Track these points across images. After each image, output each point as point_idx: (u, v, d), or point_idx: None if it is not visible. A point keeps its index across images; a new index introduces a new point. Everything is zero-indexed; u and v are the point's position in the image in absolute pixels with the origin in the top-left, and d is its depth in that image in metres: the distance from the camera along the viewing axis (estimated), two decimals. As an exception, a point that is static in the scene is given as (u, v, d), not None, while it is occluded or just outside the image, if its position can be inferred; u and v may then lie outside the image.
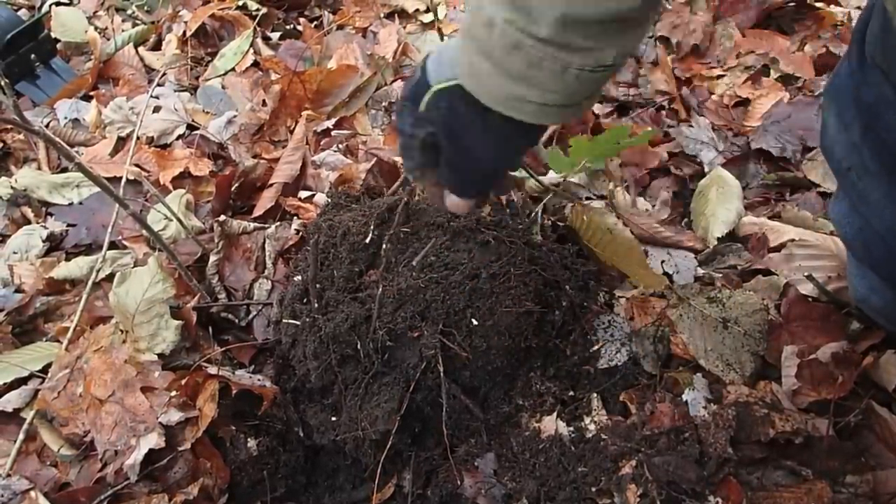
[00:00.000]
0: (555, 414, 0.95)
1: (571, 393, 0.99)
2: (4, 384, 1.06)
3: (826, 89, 0.80)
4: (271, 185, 1.36)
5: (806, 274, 1.01)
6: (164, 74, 1.75)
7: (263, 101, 1.59)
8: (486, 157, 0.70)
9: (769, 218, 1.17)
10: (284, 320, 1.02)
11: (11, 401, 1.05)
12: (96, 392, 0.98)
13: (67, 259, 1.30)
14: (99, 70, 1.80)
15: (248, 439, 0.98)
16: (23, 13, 2.03)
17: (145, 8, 2.04)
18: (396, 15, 1.82)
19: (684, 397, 0.92)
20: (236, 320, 1.16)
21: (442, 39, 1.45)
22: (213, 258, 1.21)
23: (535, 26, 0.55)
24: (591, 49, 0.57)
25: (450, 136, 0.69)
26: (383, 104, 1.55)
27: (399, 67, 1.66)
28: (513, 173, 0.92)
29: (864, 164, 0.74)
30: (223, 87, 1.68)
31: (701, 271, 1.10)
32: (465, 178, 0.74)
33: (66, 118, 1.66)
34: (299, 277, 1.04)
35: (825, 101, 0.80)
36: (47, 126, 1.65)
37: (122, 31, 1.94)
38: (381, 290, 0.93)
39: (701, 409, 0.90)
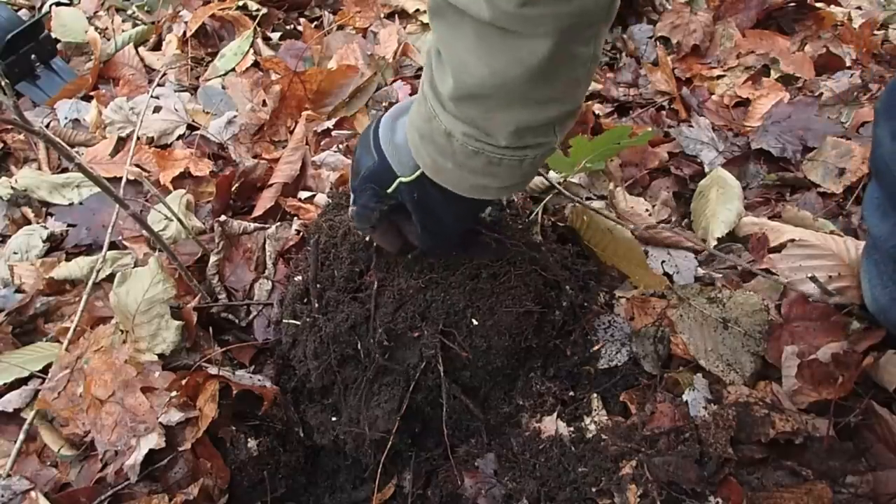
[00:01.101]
0: (555, 414, 0.95)
1: (572, 393, 0.99)
2: (5, 384, 1.06)
3: (879, 102, 0.79)
4: (271, 185, 1.36)
5: (809, 275, 1.01)
6: (164, 75, 1.75)
7: (263, 101, 1.59)
8: (455, 221, 0.81)
9: (769, 218, 1.17)
10: (285, 320, 1.02)
11: (12, 401, 1.05)
12: (96, 392, 0.98)
13: (68, 259, 1.30)
14: (99, 70, 1.80)
15: (249, 439, 0.98)
16: (23, 13, 2.03)
17: (145, 8, 2.04)
18: (396, 15, 1.82)
19: (684, 397, 0.92)
20: (236, 321, 1.16)
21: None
22: (213, 258, 1.21)
23: (492, 138, 0.62)
24: (543, 143, 0.63)
25: (421, 212, 0.78)
26: (384, 104, 1.55)
27: (399, 67, 1.66)
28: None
29: None
30: (223, 88, 1.68)
31: (701, 271, 1.10)
32: (437, 236, 0.84)
33: (66, 118, 1.66)
34: (300, 277, 1.04)
35: (877, 117, 0.78)
36: (47, 126, 1.65)
37: (123, 31, 1.94)
38: (375, 287, 0.93)
39: (701, 409, 0.90)
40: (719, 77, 1.53)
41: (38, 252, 1.33)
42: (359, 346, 0.94)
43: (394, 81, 1.60)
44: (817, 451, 0.85)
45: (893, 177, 0.77)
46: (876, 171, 0.81)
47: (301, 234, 1.23)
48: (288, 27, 1.90)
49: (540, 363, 1.00)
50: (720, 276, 1.09)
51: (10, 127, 1.61)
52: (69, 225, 1.39)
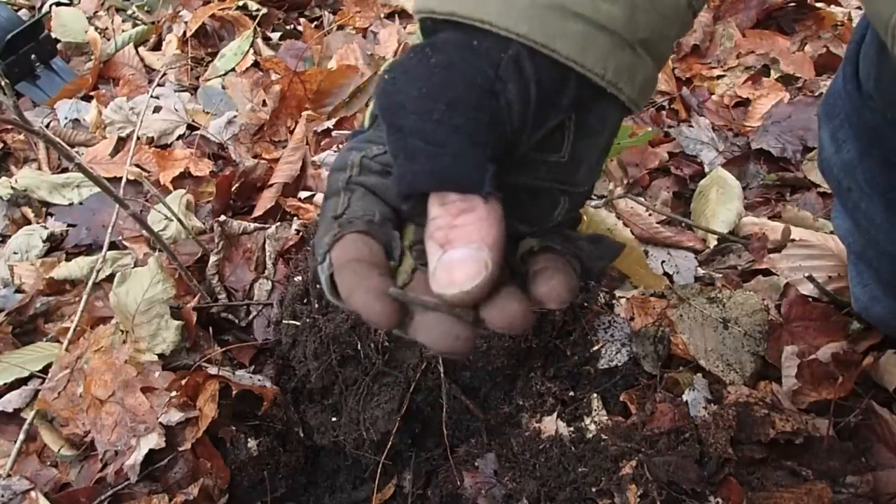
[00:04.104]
0: (555, 414, 0.95)
1: (572, 393, 0.99)
2: (5, 384, 1.06)
3: (819, 107, 0.79)
4: (271, 185, 1.36)
5: (806, 275, 1.01)
6: (164, 75, 1.75)
7: (264, 101, 1.59)
8: (446, 108, 0.41)
9: (769, 218, 1.17)
10: (285, 321, 1.02)
11: (12, 401, 1.05)
12: (96, 392, 0.98)
13: (68, 259, 1.30)
14: (99, 70, 1.80)
15: (249, 439, 0.98)
16: (23, 13, 2.03)
17: (145, 8, 2.04)
18: (397, 15, 1.82)
19: (684, 397, 0.92)
20: (236, 321, 1.16)
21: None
22: (213, 258, 1.21)
23: None
24: None
25: (393, 111, 0.42)
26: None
27: (399, 67, 1.66)
28: None
29: (860, 186, 0.74)
30: (223, 88, 1.68)
31: (701, 271, 1.10)
32: (417, 152, 0.43)
33: (66, 118, 1.66)
34: (299, 278, 1.04)
35: (819, 120, 0.79)
36: (47, 126, 1.65)
37: (123, 31, 1.94)
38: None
39: (701, 409, 0.90)
40: (719, 77, 1.53)
41: (38, 252, 1.33)
42: (359, 347, 0.94)
43: (394, 81, 1.60)
44: (817, 451, 0.85)
45: (836, 179, 0.78)
46: (822, 174, 0.82)
47: (301, 234, 1.23)
48: (288, 27, 1.90)
49: (540, 363, 1.00)
50: (720, 276, 1.09)
51: (10, 127, 1.61)
52: (69, 225, 1.39)
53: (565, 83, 0.37)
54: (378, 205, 0.40)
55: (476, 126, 0.35)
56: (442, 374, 0.93)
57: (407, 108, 0.35)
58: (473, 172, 0.35)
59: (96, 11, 2.06)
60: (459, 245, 0.34)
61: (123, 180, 1.34)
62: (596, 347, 1.01)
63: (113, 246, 1.26)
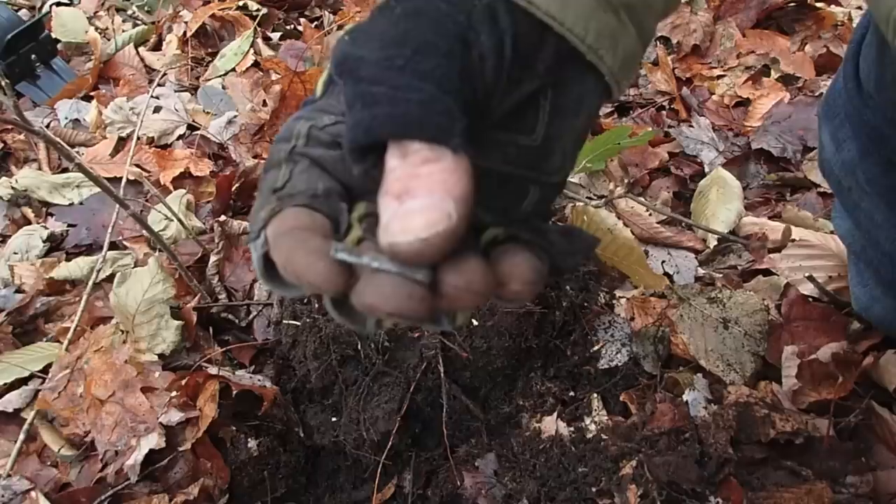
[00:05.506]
0: (555, 414, 0.95)
1: (572, 393, 0.99)
2: (5, 384, 1.06)
3: (820, 107, 0.79)
4: (271, 185, 1.36)
5: (806, 275, 1.01)
6: (164, 75, 1.75)
7: (264, 101, 1.59)
8: (412, 52, 0.39)
9: (769, 218, 1.17)
10: (285, 321, 1.03)
11: (12, 401, 1.05)
12: (97, 392, 0.98)
13: (68, 259, 1.30)
14: (99, 70, 1.80)
15: (249, 439, 0.98)
16: (23, 13, 2.03)
17: (146, 8, 2.04)
18: (397, 15, 1.82)
19: (685, 397, 0.92)
20: (236, 320, 1.16)
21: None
22: (213, 258, 1.21)
23: None
24: None
25: (353, 59, 0.40)
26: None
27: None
28: None
29: (860, 186, 0.73)
30: (224, 88, 1.68)
31: (701, 271, 1.10)
32: (378, 98, 0.38)
33: (66, 118, 1.66)
34: (299, 278, 1.04)
35: (819, 120, 0.79)
36: (48, 126, 1.65)
37: (123, 31, 1.94)
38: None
39: (701, 409, 0.90)
40: (719, 77, 1.53)
41: (38, 252, 1.33)
42: (359, 347, 0.94)
43: (394, 81, 1.60)
44: (817, 451, 0.85)
45: (836, 179, 0.77)
46: (822, 174, 0.82)
47: (301, 234, 1.23)
48: (288, 27, 1.90)
49: (540, 363, 1.00)
50: (720, 276, 1.09)
51: (10, 127, 1.61)
52: (69, 225, 1.39)
53: (543, 42, 0.35)
54: (323, 178, 0.36)
55: (447, 73, 0.31)
56: (442, 374, 0.93)
57: (367, 58, 0.32)
58: (442, 118, 0.30)
59: (96, 11, 2.06)
60: (421, 195, 0.29)
61: (123, 180, 1.34)
62: (596, 347, 1.01)
63: (113, 246, 1.26)
